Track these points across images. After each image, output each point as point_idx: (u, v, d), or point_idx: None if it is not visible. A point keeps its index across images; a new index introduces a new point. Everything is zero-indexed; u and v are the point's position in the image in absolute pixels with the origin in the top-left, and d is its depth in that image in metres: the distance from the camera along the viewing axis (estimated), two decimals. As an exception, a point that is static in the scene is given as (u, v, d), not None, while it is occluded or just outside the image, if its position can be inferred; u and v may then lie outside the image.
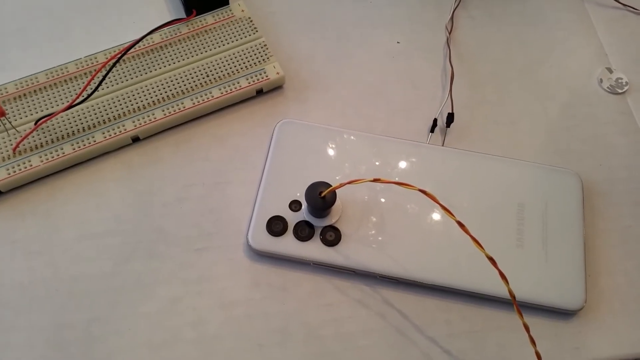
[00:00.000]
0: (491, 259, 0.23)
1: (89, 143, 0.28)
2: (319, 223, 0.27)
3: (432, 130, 0.31)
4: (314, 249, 0.27)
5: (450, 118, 0.31)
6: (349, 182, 0.25)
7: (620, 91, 0.33)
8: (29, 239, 0.27)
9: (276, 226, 0.27)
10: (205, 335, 0.26)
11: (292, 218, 0.27)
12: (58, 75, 0.30)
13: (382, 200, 0.28)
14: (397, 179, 0.27)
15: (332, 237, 0.27)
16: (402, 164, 0.29)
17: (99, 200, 0.28)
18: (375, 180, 0.25)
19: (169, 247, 0.27)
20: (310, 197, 0.26)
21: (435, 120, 0.31)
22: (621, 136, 0.32)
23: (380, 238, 0.27)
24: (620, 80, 0.33)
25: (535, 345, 0.23)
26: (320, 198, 0.26)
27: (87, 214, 0.28)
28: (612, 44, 0.35)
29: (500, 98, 0.33)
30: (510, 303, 0.26)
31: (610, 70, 0.34)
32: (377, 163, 0.29)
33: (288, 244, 0.27)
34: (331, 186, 0.26)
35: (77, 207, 0.28)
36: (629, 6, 0.36)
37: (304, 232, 0.27)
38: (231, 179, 0.29)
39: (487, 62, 0.34)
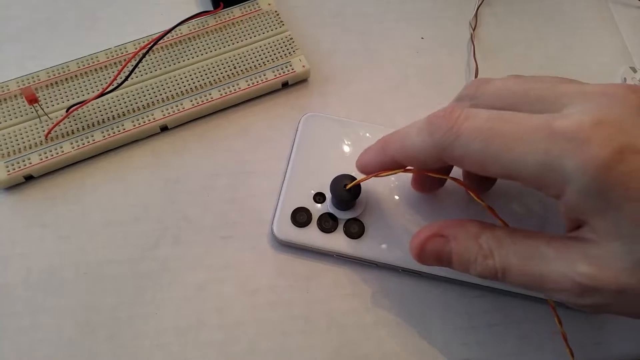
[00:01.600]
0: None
1: (119, 131, 0.29)
2: (342, 215, 0.28)
3: (455, 126, 0.31)
4: (337, 241, 0.27)
5: (473, 114, 0.31)
6: (375, 175, 0.25)
7: (643, 90, 0.33)
8: (58, 223, 0.28)
9: (300, 217, 0.27)
10: (230, 321, 0.26)
11: (316, 210, 0.28)
12: (89, 64, 0.30)
13: (408, 193, 0.28)
14: None
15: (355, 229, 0.27)
16: None
17: (128, 187, 0.29)
18: (406, 170, 0.25)
19: (194, 234, 0.28)
20: (336, 189, 0.26)
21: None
22: (644, 135, 0.32)
23: (403, 231, 0.27)
24: (644, 80, 0.33)
25: (562, 326, 0.24)
26: (346, 190, 0.26)
27: (115, 201, 0.29)
28: (636, 43, 0.35)
29: (523, 95, 0.33)
30: (530, 298, 0.26)
31: (634, 70, 0.34)
32: None
33: (312, 235, 0.27)
34: (356, 179, 0.26)
35: (105, 193, 0.29)
36: (653, 6, 0.36)
37: (327, 224, 0.27)
38: (256, 169, 0.30)
39: (510, 59, 0.34)
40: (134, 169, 0.29)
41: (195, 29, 0.32)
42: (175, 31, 0.31)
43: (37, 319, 0.26)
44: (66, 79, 0.30)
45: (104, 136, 0.29)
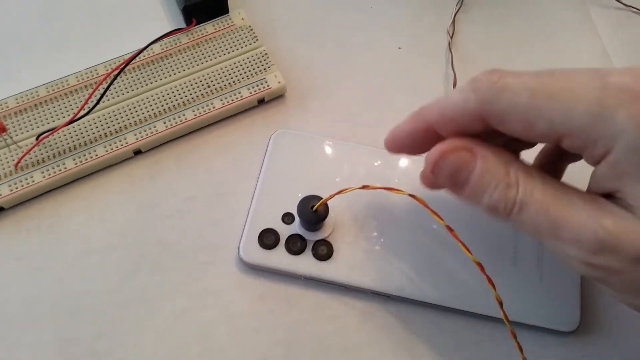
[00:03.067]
0: (479, 264, 0.22)
1: (91, 157, 0.28)
2: (311, 237, 0.27)
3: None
4: (305, 263, 0.27)
5: (453, 125, 0.30)
6: (338, 192, 0.25)
7: (624, 94, 0.33)
8: (33, 255, 0.27)
9: (268, 239, 0.27)
10: (211, 349, 0.26)
11: (285, 231, 0.27)
12: (59, 88, 0.30)
13: (378, 214, 0.28)
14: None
15: (324, 251, 0.27)
16: (398, 176, 0.29)
17: (103, 215, 0.28)
18: (364, 187, 0.24)
19: (172, 260, 0.27)
20: (302, 211, 0.26)
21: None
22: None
23: (373, 253, 0.27)
24: (623, 83, 0.33)
25: (522, 352, 0.23)
26: (313, 212, 0.26)
27: (90, 229, 0.28)
28: (615, 45, 0.35)
29: (503, 103, 0.32)
30: (492, 319, 0.26)
31: (613, 73, 0.33)
32: (372, 175, 0.29)
33: (279, 258, 0.27)
34: (322, 199, 0.26)
35: (80, 221, 0.28)
36: (631, 7, 0.36)
37: (295, 245, 0.27)
38: (233, 190, 0.29)
39: (490, 66, 0.33)
40: (109, 195, 0.29)
41: (167, 47, 0.31)
42: (147, 50, 0.31)
43: (13, 355, 0.25)
44: (35, 105, 0.29)
45: (76, 163, 0.28)
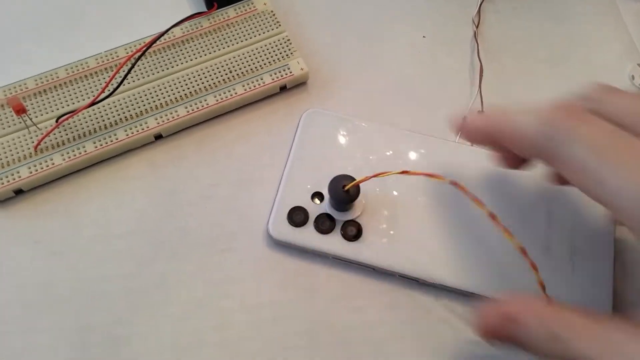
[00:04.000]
0: (522, 249, 0.22)
1: (111, 141, 0.28)
2: (340, 217, 0.27)
3: (461, 128, 0.30)
4: (334, 243, 0.26)
5: (479, 116, 0.30)
6: (375, 175, 0.24)
7: (652, 88, 0.32)
8: (51, 239, 0.27)
9: (297, 217, 0.27)
10: (230, 338, 0.25)
11: (314, 210, 0.27)
12: (78, 70, 0.29)
13: (409, 198, 0.27)
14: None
15: (353, 232, 0.26)
16: (428, 161, 0.28)
17: (122, 200, 0.28)
18: (403, 172, 0.24)
19: (193, 247, 0.27)
20: (334, 190, 0.25)
21: (464, 119, 0.30)
22: (653, 134, 0.31)
23: (402, 236, 0.27)
24: (652, 77, 0.32)
25: None
26: (344, 192, 0.25)
27: (110, 214, 0.27)
28: (643, 39, 0.34)
29: (528, 94, 0.32)
30: None
31: (642, 66, 0.33)
32: (402, 158, 0.28)
33: (308, 236, 0.26)
34: (354, 180, 0.25)
35: (99, 206, 0.28)
36: (660, 0, 0.35)
37: (324, 224, 0.27)
38: (255, 176, 0.29)
39: (515, 57, 0.33)
40: (128, 180, 0.28)
41: (188, 31, 0.31)
42: (168, 34, 0.30)
43: (30, 339, 0.25)
44: (55, 87, 0.29)
45: (96, 147, 0.28)
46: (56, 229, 0.27)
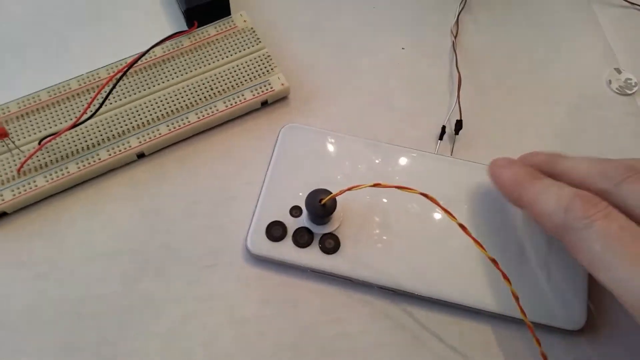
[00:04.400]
0: (493, 260, 0.23)
1: (94, 161, 0.28)
2: (318, 230, 0.27)
3: (440, 138, 0.30)
4: (312, 256, 0.26)
5: (458, 125, 0.30)
6: (349, 189, 0.25)
7: (629, 92, 0.33)
8: (35, 260, 0.27)
9: (276, 231, 0.27)
10: (217, 353, 0.25)
11: (293, 224, 0.27)
12: (60, 92, 0.29)
13: (386, 209, 0.27)
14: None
15: (331, 244, 0.27)
16: (406, 173, 0.29)
17: (106, 219, 0.28)
18: (375, 185, 0.24)
19: (177, 265, 0.27)
20: (310, 204, 0.26)
21: (443, 128, 0.31)
22: (632, 138, 0.31)
23: (380, 248, 0.27)
24: (629, 81, 0.33)
25: (540, 346, 0.23)
26: (320, 205, 0.25)
27: (94, 234, 0.28)
28: (620, 43, 0.34)
29: (508, 102, 0.32)
30: (509, 319, 0.26)
31: (619, 71, 0.33)
32: (381, 171, 0.28)
33: (286, 250, 0.27)
34: (331, 193, 0.25)
35: (83, 226, 0.28)
36: (636, 4, 0.36)
37: (303, 238, 0.27)
38: (237, 193, 0.29)
39: (494, 66, 0.33)
40: (112, 199, 0.28)
41: (169, 50, 0.31)
42: (149, 54, 0.30)
43: (17, 361, 0.25)
44: (37, 110, 0.29)
45: (79, 167, 0.28)
46: (41, 250, 0.27)
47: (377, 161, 0.29)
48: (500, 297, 0.25)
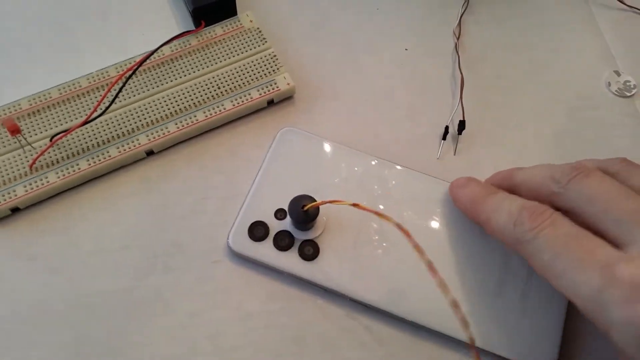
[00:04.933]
0: (454, 304, 0.22)
1: (104, 158, 0.29)
2: (300, 235, 0.27)
3: (444, 138, 0.31)
4: (290, 260, 0.27)
5: (461, 125, 0.31)
6: (330, 202, 0.25)
7: (628, 94, 0.33)
8: (47, 255, 0.28)
9: (258, 231, 0.27)
10: (224, 347, 0.26)
11: (276, 226, 0.28)
12: (71, 90, 0.30)
13: (368, 225, 0.28)
14: (381, 207, 0.28)
15: (310, 251, 0.27)
16: (395, 190, 0.29)
17: (116, 215, 0.29)
18: (354, 205, 0.24)
19: (185, 260, 0.28)
20: (293, 209, 0.26)
21: (446, 128, 0.31)
22: (630, 139, 0.32)
23: (358, 261, 0.27)
24: (628, 83, 0.34)
25: None
26: (303, 211, 0.26)
27: (104, 229, 0.28)
28: (619, 46, 0.35)
29: (509, 102, 0.33)
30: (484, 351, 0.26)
31: (618, 73, 0.34)
32: (369, 186, 0.29)
33: (266, 251, 0.27)
34: (315, 201, 0.26)
35: (94, 222, 0.28)
36: (634, 7, 0.36)
37: (283, 242, 0.27)
38: (244, 190, 0.29)
39: (495, 67, 0.34)
40: (122, 195, 0.29)
41: (177, 49, 0.32)
42: (157, 53, 0.31)
43: (28, 354, 0.26)
44: (48, 107, 0.30)
45: (90, 164, 0.28)
46: (52, 245, 0.28)
47: (367, 175, 0.29)
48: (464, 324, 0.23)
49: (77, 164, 0.28)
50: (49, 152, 0.28)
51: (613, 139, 0.32)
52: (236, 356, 0.26)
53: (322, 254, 0.27)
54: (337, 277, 0.27)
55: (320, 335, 0.27)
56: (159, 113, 0.30)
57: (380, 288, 0.27)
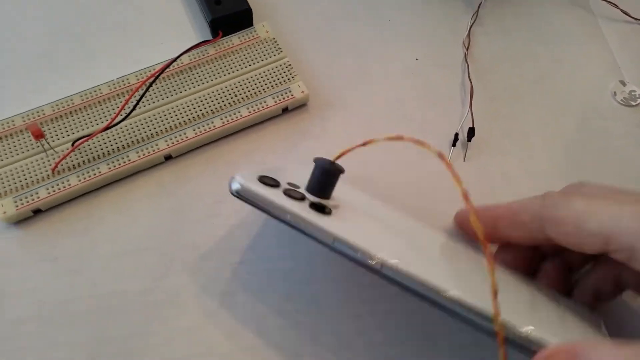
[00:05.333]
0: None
1: (124, 162, 0.29)
2: (313, 199, 0.24)
3: (453, 145, 0.32)
4: (298, 206, 0.22)
5: (471, 132, 0.32)
6: (364, 144, 0.23)
7: (634, 104, 0.34)
8: (68, 256, 0.28)
9: (269, 181, 0.24)
10: (241, 346, 0.27)
11: (286, 186, 0.24)
12: (92, 97, 0.31)
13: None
14: None
15: (321, 208, 0.23)
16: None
17: (135, 218, 0.29)
18: (397, 138, 0.22)
19: (203, 262, 0.28)
20: (321, 161, 0.24)
21: (456, 135, 0.32)
22: (636, 148, 0.33)
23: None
24: (633, 93, 0.34)
25: None
26: (331, 162, 0.24)
27: (123, 231, 0.29)
28: (624, 56, 0.36)
29: (516, 112, 0.34)
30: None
31: (623, 83, 0.35)
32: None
33: (274, 195, 0.23)
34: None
35: (113, 224, 0.29)
36: None
37: (295, 193, 0.23)
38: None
39: (503, 77, 0.35)
40: (140, 198, 0.30)
41: (195, 58, 0.32)
42: (177, 61, 0.32)
43: (49, 354, 0.26)
44: (70, 113, 0.30)
45: (110, 168, 0.29)
46: (73, 246, 0.28)
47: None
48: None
49: (98, 168, 0.29)
50: (71, 156, 0.29)
51: (619, 149, 0.33)
52: (252, 356, 0.27)
53: (335, 214, 0.23)
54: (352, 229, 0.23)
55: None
56: (178, 119, 0.31)
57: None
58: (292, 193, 0.23)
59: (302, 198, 0.23)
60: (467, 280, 0.23)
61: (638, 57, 0.36)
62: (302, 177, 0.25)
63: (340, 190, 0.25)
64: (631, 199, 0.21)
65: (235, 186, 0.23)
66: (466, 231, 0.27)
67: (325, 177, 0.24)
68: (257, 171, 0.24)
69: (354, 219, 0.24)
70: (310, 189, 0.24)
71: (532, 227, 0.24)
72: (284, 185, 0.24)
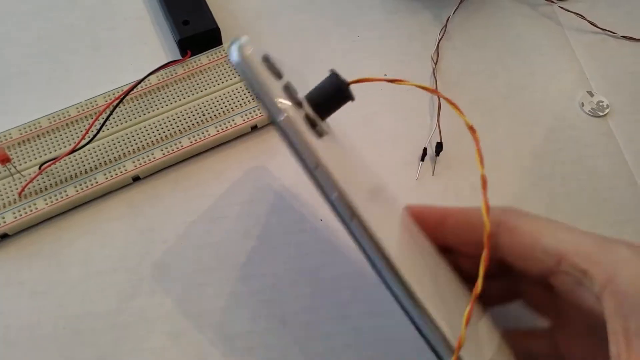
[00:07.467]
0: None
1: (92, 185, 0.29)
2: (311, 111, 0.21)
3: (422, 159, 0.32)
4: (294, 111, 0.19)
5: (439, 147, 0.32)
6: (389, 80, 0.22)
7: (601, 114, 0.34)
8: (35, 279, 0.28)
9: (272, 67, 0.20)
10: (209, 368, 0.27)
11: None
12: (60, 119, 0.31)
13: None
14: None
15: (314, 125, 0.20)
16: None
17: (103, 239, 0.29)
18: (395, 81, 0.22)
19: (171, 283, 0.28)
20: (334, 74, 0.21)
21: (425, 150, 0.32)
22: (604, 157, 0.33)
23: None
24: (601, 104, 0.35)
25: None
26: (345, 85, 0.21)
27: (91, 253, 0.29)
28: (592, 67, 0.36)
29: (485, 125, 0.34)
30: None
31: (591, 94, 0.35)
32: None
33: (273, 83, 0.19)
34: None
35: (81, 246, 0.29)
36: (607, 30, 0.38)
37: (294, 95, 0.20)
38: (229, 212, 0.30)
39: (472, 90, 0.35)
40: (109, 220, 0.30)
41: (164, 78, 0.33)
42: (145, 81, 0.32)
43: (17, 377, 0.26)
44: (38, 136, 0.31)
45: (77, 191, 0.29)
46: (40, 270, 0.28)
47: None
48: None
49: (65, 191, 0.29)
50: (38, 180, 0.29)
51: (588, 158, 0.33)
52: (220, 377, 0.27)
53: (326, 140, 0.21)
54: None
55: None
56: (146, 140, 0.31)
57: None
58: (292, 92, 0.20)
59: (299, 104, 0.20)
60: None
61: (605, 68, 0.36)
62: (301, 85, 0.22)
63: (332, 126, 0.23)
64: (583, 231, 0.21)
65: (235, 58, 0.19)
66: (421, 224, 0.25)
67: (334, 93, 0.21)
68: (263, 49, 0.20)
69: (341, 158, 0.22)
70: (311, 98, 0.21)
71: (479, 234, 0.21)
72: (285, 80, 0.20)
